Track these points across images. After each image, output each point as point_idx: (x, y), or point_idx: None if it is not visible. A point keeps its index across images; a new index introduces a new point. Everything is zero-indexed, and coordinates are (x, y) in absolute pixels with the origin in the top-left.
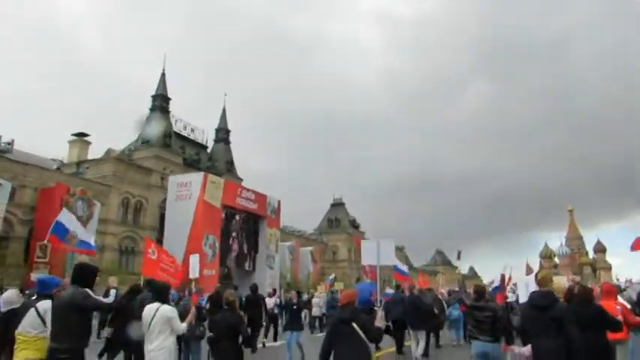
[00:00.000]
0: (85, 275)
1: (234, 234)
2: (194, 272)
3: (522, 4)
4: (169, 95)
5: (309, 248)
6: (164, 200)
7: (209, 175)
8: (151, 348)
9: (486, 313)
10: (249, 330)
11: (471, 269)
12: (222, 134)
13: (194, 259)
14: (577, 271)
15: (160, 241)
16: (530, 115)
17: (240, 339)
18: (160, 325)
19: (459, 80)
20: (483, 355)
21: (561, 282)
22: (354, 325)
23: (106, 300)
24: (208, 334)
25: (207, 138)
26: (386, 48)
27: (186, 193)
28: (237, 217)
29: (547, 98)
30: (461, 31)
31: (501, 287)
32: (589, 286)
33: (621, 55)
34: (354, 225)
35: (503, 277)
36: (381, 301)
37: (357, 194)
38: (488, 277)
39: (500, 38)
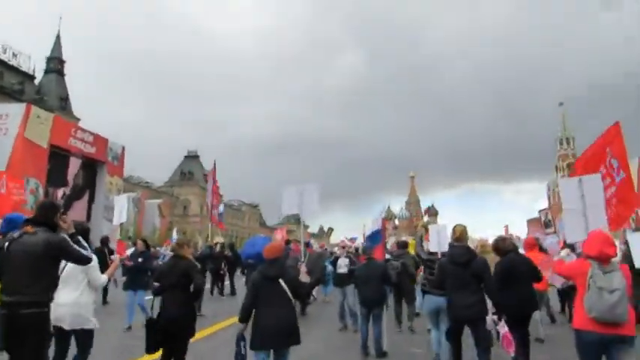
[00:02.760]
0: (53, 216)
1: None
2: (121, 216)
3: None
4: None
5: (157, 201)
6: None
7: (33, 107)
8: (62, 302)
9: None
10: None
11: (321, 229)
12: (55, 64)
13: (121, 202)
14: (413, 233)
15: None
16: (392, 91)
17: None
18: (75, 276)
19: (330, 49)
20: (437, 309)
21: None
22: (281, 281)
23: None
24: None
25: (35, 67)
26: (258, 6)
27: (2, 127)
28: (71, 160)
29: (409, 75)
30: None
31: (381, 239)
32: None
33: (472, 37)
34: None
35: (385, 223)
36: (304, 255)
37: (215, 150)
38: (338, 235)
39: (373, 16)
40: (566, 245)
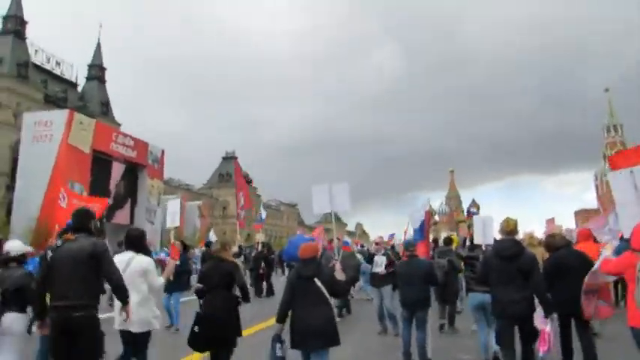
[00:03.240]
0: (88, 222)
1: (111, 184)
2: (173, 220)
3: None
4: (26, 18)
5: (197, 202)
6: (18, 142)
7: (75, 113)
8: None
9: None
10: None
11: (359, 225)
12: (96, 71)
13: (174, 206)
14: (453, 229)
15: (11, 187)
16: (429, 86)
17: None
18: (133, 281)
19: (365, 46)
20: (481, 306)
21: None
22: (317, 281)
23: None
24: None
25: (78, 75)
26: (293, 8)
27: (47, 134)
28: (114, 164)
29: (446, 69)
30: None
31: (424, 235)
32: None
33: (509, 30)
34: (247, 180)
35: (428, 217)
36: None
37: (252, 150)
38: (376, 233)
39: (407, 11)
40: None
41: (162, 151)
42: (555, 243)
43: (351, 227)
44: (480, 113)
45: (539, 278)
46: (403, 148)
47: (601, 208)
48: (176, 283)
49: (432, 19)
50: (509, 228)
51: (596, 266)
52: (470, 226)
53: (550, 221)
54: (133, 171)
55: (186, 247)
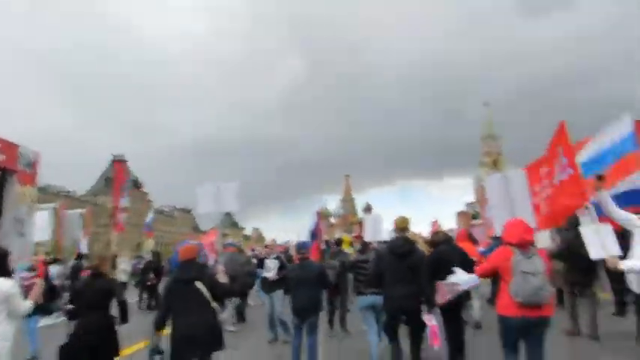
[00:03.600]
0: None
1: None
2: (42, 234)
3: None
4: None
5: (79, 211)
6: None
7: None
8: None
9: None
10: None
11: (256, 230)
12: None
13: (42, 218)
14: (348, 230)
15: None
16: (332, 95)
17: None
18: None
19: (272, 54)
20: (370, 306)
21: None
22: (198, 284)
23: None
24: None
25: None
26: (199, 9)
27: None
28: None
29: (349, 80)
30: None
31: (316, 236)
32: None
33: (409, 51)
34: (136, 184)
35: (320, 219)
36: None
37: (145, 154)
38: (270, 237)
39: (313, 25)
40: (494, 237)
41: (37, 154)
42: (437, 239)
43: (248, 232)
44: (376, 122)
45: (424, 275)
46: (304, 154)
47: (480, 209)
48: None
49: (337, 34)
50: (402, 225)
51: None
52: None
53: (434, 222)
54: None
55: (53, 261)
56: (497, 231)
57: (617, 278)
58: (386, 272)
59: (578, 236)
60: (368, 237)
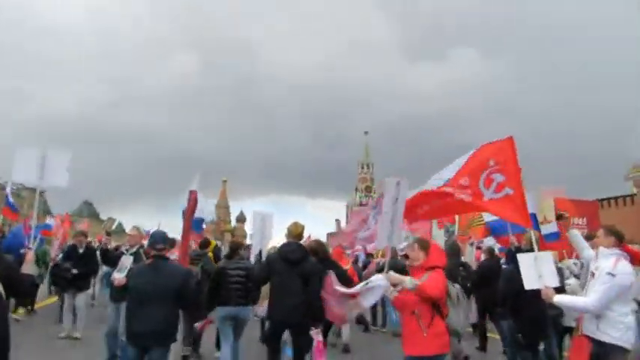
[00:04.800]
0: None
1: None
2: None
3: None
4: None
5: None
6: None
7: None
8: None
9: (240, 272)
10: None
11: (120, 225)
12: None
13: None
14: (219, 237)
15: None
16: (222, 98)
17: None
18: None
19: (163, 46)
20: (229, 316)
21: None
22: None
23: None
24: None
25: None
26: None
27: None
28: None
29: (240, 87)
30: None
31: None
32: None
33: (297, 61)
34: None
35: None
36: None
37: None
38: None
39: (209, 24)
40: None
41: None
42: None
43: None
44: (260, 134)
45: (316, 286)
46: (184, 152)
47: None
48: None
49: (233, 39)
50: (297, 232)
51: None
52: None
53: (308, 238)
54: None
55: None
56: (380, 242)
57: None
58: (274, 279)
59: (457, 266)
60: (255, 240)
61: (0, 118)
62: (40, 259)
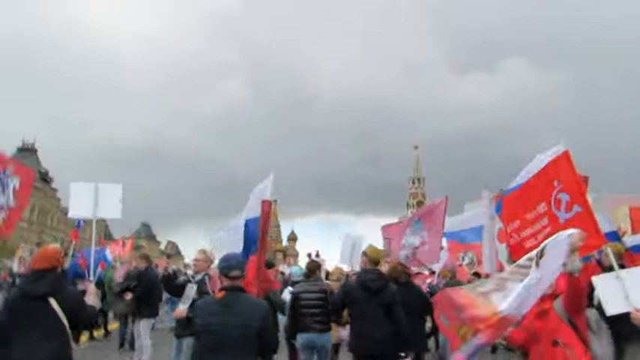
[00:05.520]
0: None
1: None
2: None
3: None
4: None
5: None
6: None
7: None
8: None
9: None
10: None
11: (175, 247)
12: None
13: None
14: (272, 257)
15: None
16: (272, 121)
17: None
18: None
19: (216, 73)
20: (311, 344)
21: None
22: (52, 302)
23: None
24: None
25: None
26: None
27: None
28: None
29: (290, 111)
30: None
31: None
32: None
33: (343, 82)
34: (45, 178)
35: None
36: (94, 272)
37: (64, 148)
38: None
39: (261, 51)
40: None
41: None
42: (396, 275)
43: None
44: (310, 155)
45: (400, 314)
46: (235, 175)
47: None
48: None
49: (283, 63)
50: (375, 257)
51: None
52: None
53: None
54: None
55: None
56: (486, 266)
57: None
58: (354, 309)
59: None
60: (343, 261)
61: (65, 143)
62: (106, 285)
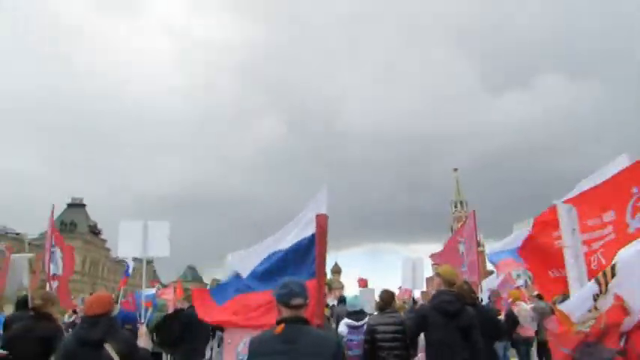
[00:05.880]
0: None
1: None
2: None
3: None
4: None
5: (27, 255)
6: None
7: None
8: None
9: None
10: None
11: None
12: None
13: None
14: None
15: None
16: (308, 158)
17: None
18: None
19: (246, 116)
20: None
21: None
22: (108, 348)
23: None
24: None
25: None
26: (176, 67)
27: None
28: None
29: (324, 148)
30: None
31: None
32: None
33: (378, 116)
34: (94, 231)
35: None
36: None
37: (106, 200)
38: None
39: (290, 87)
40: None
41: None
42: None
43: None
44: (347, 190)
45: (478, 337)
46: (274, 213)
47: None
48: None
49: (314, 101)
50: (451, 278)
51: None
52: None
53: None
54: None
55: None
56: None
57: None
58: (431, 334)
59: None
60: (406, 284)
61: (111, 196)
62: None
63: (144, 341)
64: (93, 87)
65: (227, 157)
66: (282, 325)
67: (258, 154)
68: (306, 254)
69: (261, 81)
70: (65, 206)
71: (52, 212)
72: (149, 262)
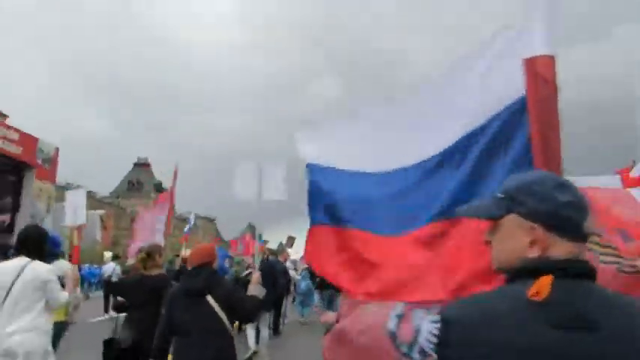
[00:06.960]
0: None
1: None
2: (76, 216)
3: None
4: None
5: (99, 212)
6: None
7: None
8: (11, 330)
9: None
10: None
11: (281, 244)
12: None
13: (76, 198)
14: None
15: None
16: None
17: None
18: (27, 294)
19: (305, 73)
20: None
21: None
22: (210, 299)
23: None
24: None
25: None
26: (238, 21)
27: None
28: None
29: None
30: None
31: None
32: None
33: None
34: (160, 189)
35: None
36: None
37: (169, 158)
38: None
39: (348, 44)
40: None
41: (57, 150)
42: None
43: (272, 245)
44: None
45: None
46: None
47: None
48: None
49: (373, 52)
50: None
51: None
52: None
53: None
54: (15, 170)
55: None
56: None
57: None
58: None
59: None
60: None
61: (186, 149)
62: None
63: (255, 288)
64: (154, 51)
65: (285, 117)
66: (550, 280)
67: (313, 111)
68: (513, 139)
69: (318, 40)
70: (132, 166)
71: (175, 173)
72: (211, 220)
